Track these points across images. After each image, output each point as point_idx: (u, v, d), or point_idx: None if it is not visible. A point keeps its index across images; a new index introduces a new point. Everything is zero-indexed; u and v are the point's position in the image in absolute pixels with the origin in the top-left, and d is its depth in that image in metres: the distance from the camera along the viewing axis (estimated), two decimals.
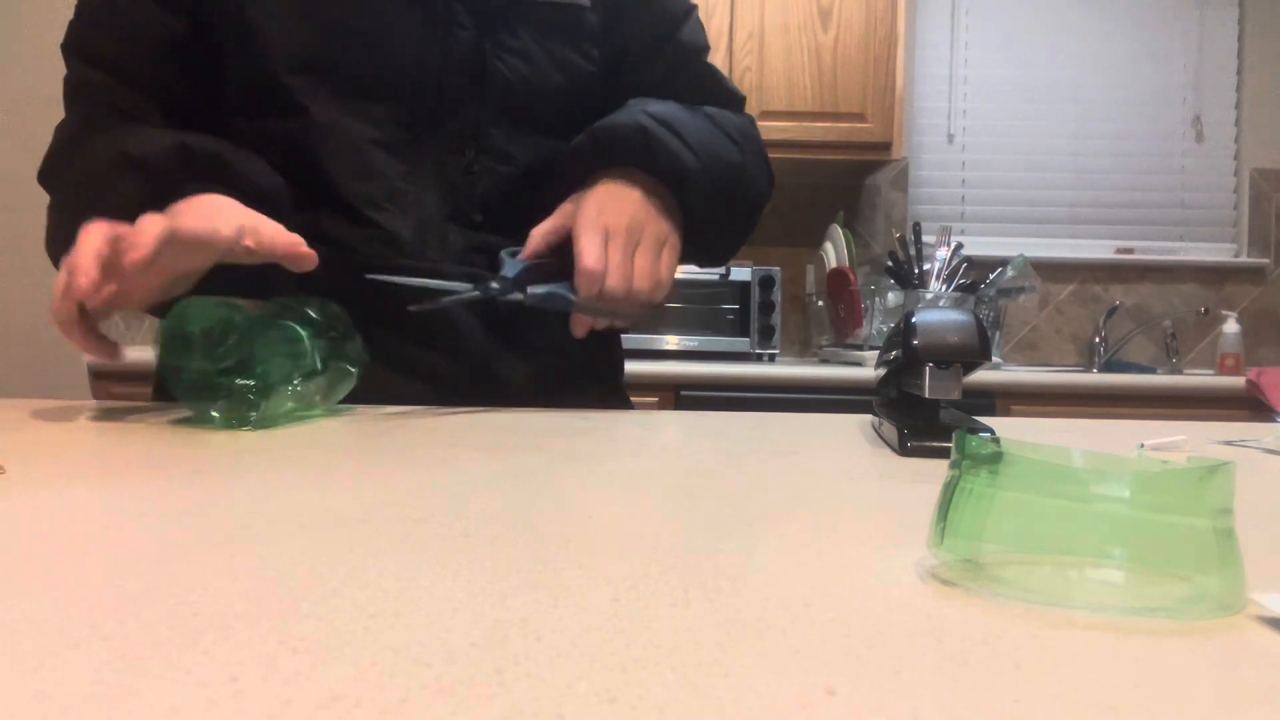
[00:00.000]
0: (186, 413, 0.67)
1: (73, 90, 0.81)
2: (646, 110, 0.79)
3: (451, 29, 0.79)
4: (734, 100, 0.94)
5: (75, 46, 0.80)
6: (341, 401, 0.71)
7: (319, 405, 0.68)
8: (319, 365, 0.66)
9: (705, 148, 0.81)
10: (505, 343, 0.82)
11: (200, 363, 0.62)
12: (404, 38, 0.79)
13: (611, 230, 0.74)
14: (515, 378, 0.82)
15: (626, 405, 0.96)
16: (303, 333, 0.66)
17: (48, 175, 0.79)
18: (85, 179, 0.74)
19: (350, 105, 0.78)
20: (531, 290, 0.74)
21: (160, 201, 0.65)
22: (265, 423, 0.62)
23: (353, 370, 0.70)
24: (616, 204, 0.76)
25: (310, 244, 0.67)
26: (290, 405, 0.65)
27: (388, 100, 0.79)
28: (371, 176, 0.78)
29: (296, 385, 0.64)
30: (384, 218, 0.78)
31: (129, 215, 0.63)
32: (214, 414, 0.62)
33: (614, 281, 0.73)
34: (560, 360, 0.85)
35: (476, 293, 0.74)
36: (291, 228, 0.66)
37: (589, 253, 0.72)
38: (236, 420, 0.62)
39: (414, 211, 0.79)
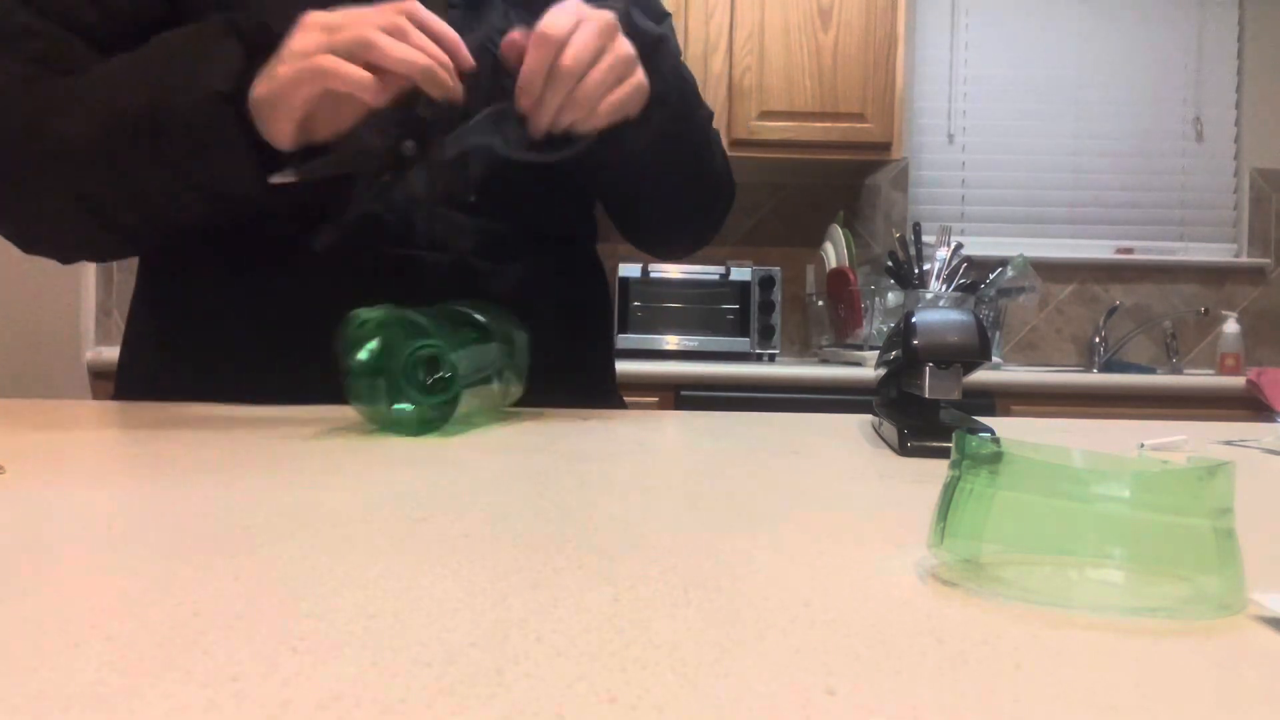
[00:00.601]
0: (187, 413, 0.67)
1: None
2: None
3: (442, 10, 0.74)
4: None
5: None
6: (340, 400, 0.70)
7: (496, 409, 0.68)
8: (499, 370, 0.66)
9: (689, 99, 0.79)
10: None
11: (391, 367, 0.62)
12: None
13: (586, 18, 0.64)
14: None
15: (620, 405, 0.96)
16: (483, 335, 0.66)
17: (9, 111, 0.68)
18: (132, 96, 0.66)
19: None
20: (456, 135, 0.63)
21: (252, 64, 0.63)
22: (454, 427, 0.62)
23: (519, 377, 0.69)
24: (600, 14, 0.66)
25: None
26: (471, 409, 0.64)
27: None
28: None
29: (493, 386, 0.65)
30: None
31: (233, 72, 0.62)
32: (405, 419, 0.62)
33: (570, 57, 0.62)
34: (548, 359, 0.82)
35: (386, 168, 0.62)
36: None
37: (551, 20, 0.62)
38: (432, 423, 0.61)
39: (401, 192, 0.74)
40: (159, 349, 0.82)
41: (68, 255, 0.77)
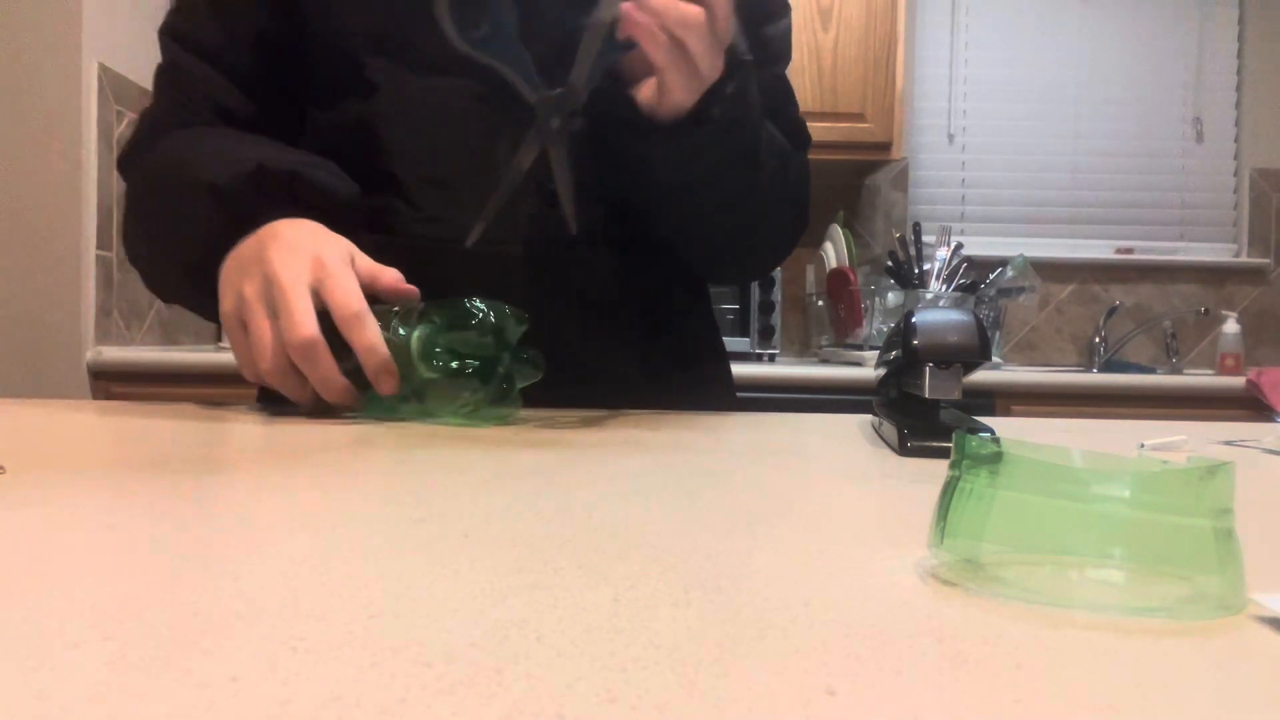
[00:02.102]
0: (187, 412, 0.67)
1: (165, 73, 0.82)
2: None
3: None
4: (795, 130, 0.90)
5: (173, 30, 0.81)
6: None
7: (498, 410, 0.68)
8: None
9: (743, 132, 0.75)
10: (592, 326, 0.80)
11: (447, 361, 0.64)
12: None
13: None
14: (610, 365, 0.81)
15: (734, 401, 0.95)
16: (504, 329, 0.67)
17: (128, 163, 0.81)
18: (163, 200, 0.76)
19: (427, 81, 0.76)
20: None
21: (238, 228, 0.69)
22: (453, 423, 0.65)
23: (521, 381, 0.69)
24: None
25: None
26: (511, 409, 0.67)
27: (462, 76, 0.75)
28: (441, 159, 0.78)
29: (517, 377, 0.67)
30: (447, 202, 0.78)
31: (209, 239, 0.69)
32: (470, 410, 0.65)
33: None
34: (657, 342, 0.83)
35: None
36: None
37: None
38: (500, 412, 0.65)
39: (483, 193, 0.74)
40: None
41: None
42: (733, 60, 0.71)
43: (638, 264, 0.84)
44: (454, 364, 0.64)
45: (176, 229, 0.73)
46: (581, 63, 0.66)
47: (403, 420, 0.66)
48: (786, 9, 0.91)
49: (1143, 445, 0.62)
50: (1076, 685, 0.20)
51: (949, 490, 0.28)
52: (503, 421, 0.66)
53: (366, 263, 0.67)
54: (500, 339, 0.65)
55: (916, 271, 2.40)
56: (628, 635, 0.22)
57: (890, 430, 0.59)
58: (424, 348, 0.64)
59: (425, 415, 0.66)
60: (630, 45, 0.66)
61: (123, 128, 2.22)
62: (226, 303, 0.67)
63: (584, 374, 0.77)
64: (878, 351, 0.69)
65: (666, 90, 0.68)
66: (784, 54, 0.92)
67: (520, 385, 0.66)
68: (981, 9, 2.89)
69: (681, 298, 0.91)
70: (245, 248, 0.68)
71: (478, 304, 0.65)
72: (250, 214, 0.69)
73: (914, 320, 0.57)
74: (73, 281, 2.14)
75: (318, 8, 0.79)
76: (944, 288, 2.38)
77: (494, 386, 0.65)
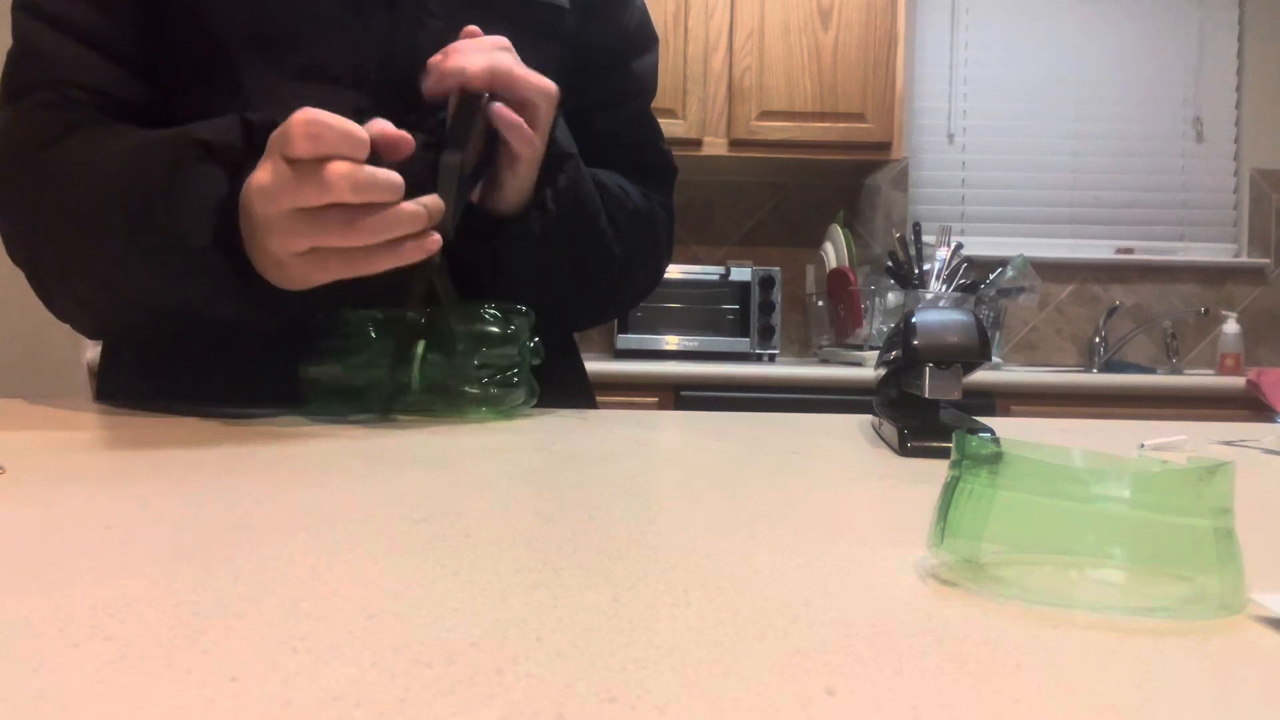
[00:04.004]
0: (186, 413, 0.67)
1: (24, 54, 0.71)
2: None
3: (421, 17, 0.74)
4: (659, 162, 0.90)
5: (34, 5, 0.70)
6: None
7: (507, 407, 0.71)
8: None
9: (579, 222, 0.75)
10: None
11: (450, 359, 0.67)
12: (368, 20, 0.74)
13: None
14: None
15: (592, 404, 0.95)
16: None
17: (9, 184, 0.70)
18: (135, 178, 0.64)
19: (304, 88, 0.70)
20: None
21: (237, 185, 0.61)
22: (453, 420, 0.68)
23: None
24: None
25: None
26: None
27: (347, 87, 0.72)
28: None
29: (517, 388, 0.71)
30: None
31: (205, 211, 0.60)
32: (490, 404, 0.68)
33: (460, 59, 0.65)
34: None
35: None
36: None
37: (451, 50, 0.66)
38: (507, 407, 0.69)
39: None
40: (141, 346, 0.80)
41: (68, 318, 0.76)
42: (560, 153, 0.73)
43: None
44: (498, 377, 0.69)
45: (171, 206, 0.62)
46: (445, 203, 0.65)
47: (435, 417, 0.68)
48: (653, 43, 0.91)
49: (1143, 445, 0.62)
50: (1076, 685, 0.20)
51: (949, 490, 0.28)
52: (521, 413, 0.72)
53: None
54: (521, 341, 0.70)
55: (916, 271, 2.40)
56: (628, 635, 0.22)
57: (890, 430, 0.59)
58: (465, 369, 0.68)
59: (456, 413, 0.69)
60: (479, 175, 0.70)
61: None
62: (286, 251, 0.60)
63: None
64: (878, 351, 0.69)
65: (508, 183, 0.71)
66: (650, 88, 0.92)
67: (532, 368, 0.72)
68: (981, 9, 2.89)
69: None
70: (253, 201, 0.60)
71: (494, 310, 0.68)
72: (244, 168, 0.62)
73: (914, 320, 0.57)
74: None
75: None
76: (944, 288, 2.38)
77: (525, 384, 0.71)
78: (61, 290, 0.72)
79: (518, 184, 0.71)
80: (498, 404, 0.69)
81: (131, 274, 0.65)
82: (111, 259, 0.65)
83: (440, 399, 0.68)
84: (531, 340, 0.71)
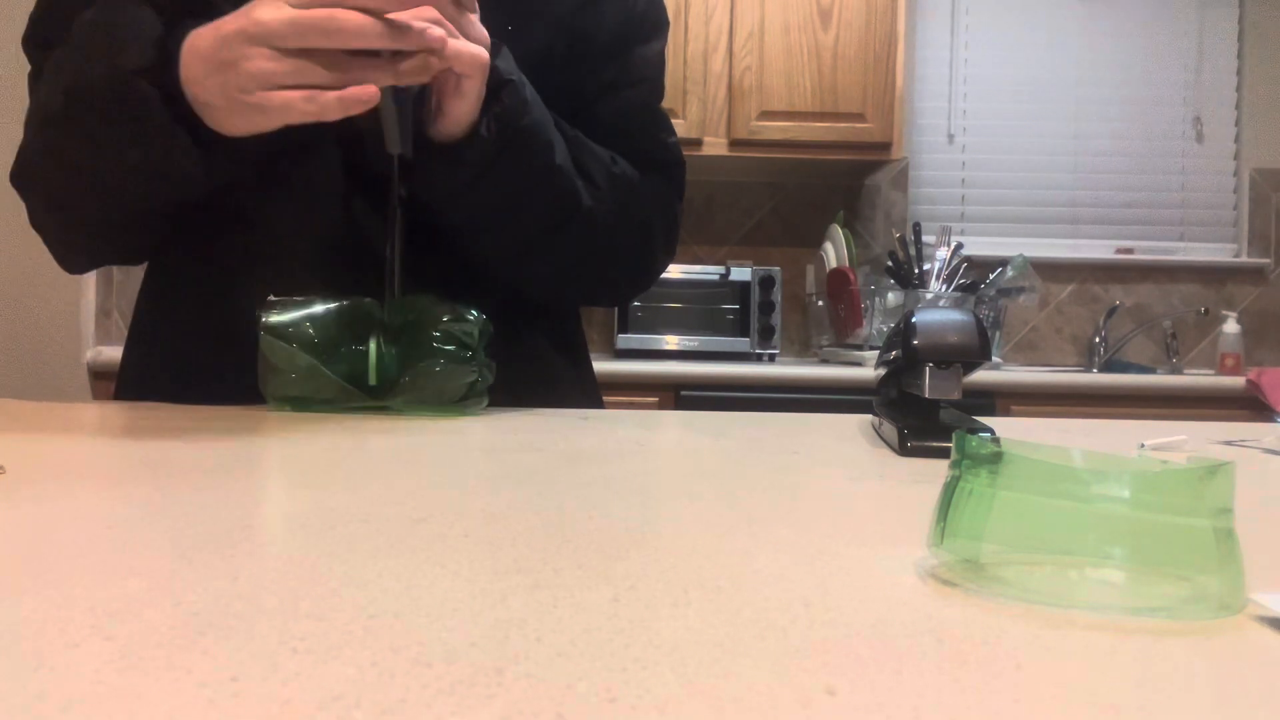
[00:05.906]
0: (186, 413, 0.67)
1: (35, 77, 0.75)
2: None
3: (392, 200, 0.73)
4: (661, 155, 0.87)
5: (34, 38, 0.76)
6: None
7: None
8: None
9: (527, 153, 0.73)
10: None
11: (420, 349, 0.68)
12: (339, 198, 0.75)
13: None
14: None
15: (599, 403, 0.95)
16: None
17: (24, 173, 0.74)
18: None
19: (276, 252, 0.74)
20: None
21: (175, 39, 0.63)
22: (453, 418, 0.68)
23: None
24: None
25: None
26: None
27: (320, 268, 0.74)
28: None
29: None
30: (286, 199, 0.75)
31: (144, 40, 0.63)
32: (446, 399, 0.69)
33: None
34: (528, 365, 0.82)
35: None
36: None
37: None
38: (471, 403, 0.70)
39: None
40: (152, 343, 0.81)
41: (66, 260, 0.79)
42: (499, 80, 0.71)
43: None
44: (451, 347, 0.69)
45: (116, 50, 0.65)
46: (389, 129, 0.66)
47: (390, 413, 0.69)
48: (662, 29, 0.90)
49: (1143, 445, 0.62)
50: (1076, 685, 0.20)
51: (949, 490, 0.28)
52: (470, 412, 0.71)
53: None
54: (480, 336, 0.70)
55: (916, 271, 2.40)
56: (628, 635, 0.22)
57: (890, 430, 0.59)
58: (427, 325, 0.69)
59: (410, 407, 0.70)
60: (425, 93, 0.68)
61: None
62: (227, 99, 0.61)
63: None
64: (878, 351, 0.69)
65: (454, 109, 0.69)
66: (655, 80, 0.90)
67: (486, 384, 0.71)
68: (981, 9, 2.89)
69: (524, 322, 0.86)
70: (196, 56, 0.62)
71: (447, 307, 0.70)
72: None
73: (914, 320, 0.57)
74: (72, 282, 2.14)
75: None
76: (944, 288, 2.38)
77: (479, 372, 0.70)
78: (48, 208, 0.75)
79: (465, 107, 0.69)
80: (450, 399, 0.69)
81: (84, 135, 0.66)
82: (73, 129, 0.67)
83: (401, 394, 0.69)
84: (485, 347, 0.71)
